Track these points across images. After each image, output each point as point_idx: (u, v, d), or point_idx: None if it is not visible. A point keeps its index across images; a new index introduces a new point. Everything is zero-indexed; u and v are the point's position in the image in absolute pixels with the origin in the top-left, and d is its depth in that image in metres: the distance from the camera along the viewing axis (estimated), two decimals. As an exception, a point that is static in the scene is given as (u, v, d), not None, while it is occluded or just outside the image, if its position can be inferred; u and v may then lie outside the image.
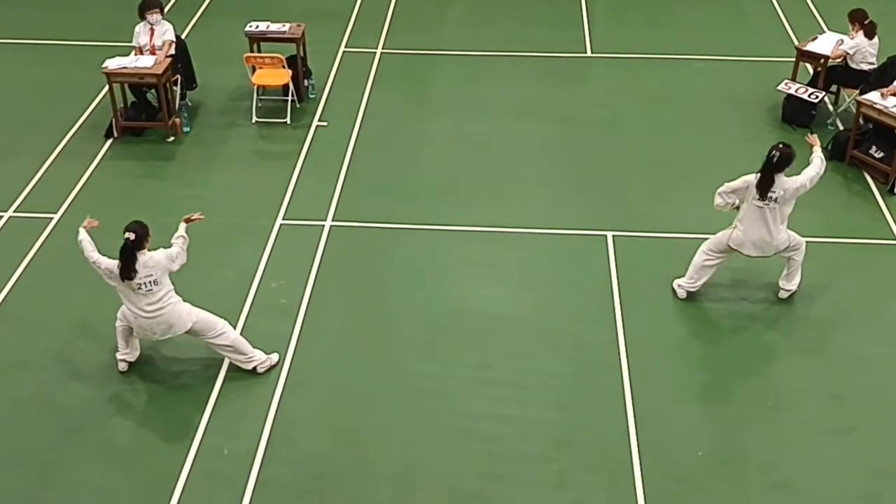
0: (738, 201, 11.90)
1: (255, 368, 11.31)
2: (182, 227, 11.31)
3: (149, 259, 10.63)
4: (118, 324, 11.21)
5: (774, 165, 11.57)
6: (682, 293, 12.42)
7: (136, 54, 15.86)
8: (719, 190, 11.96)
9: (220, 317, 11.23)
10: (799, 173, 11.78)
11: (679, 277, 12.49)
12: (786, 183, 11.65)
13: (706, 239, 12.32)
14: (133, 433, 10.71)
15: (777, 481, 10.13)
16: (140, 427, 10.79)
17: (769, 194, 11.60)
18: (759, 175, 11.64)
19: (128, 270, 10.54)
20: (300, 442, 10.61)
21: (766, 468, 10.26)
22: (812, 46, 16.58)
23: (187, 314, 10.96)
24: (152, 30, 15.82)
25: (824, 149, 14.99)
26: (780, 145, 11.62)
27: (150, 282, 10.65)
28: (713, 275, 12.44)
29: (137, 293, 10.69)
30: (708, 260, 12.25)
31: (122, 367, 11.38)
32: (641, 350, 11.72)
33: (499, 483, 10.12)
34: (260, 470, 10.24)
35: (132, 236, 10.50)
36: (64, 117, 16.32)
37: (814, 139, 12.34)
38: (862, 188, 14.72)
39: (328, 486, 10.12)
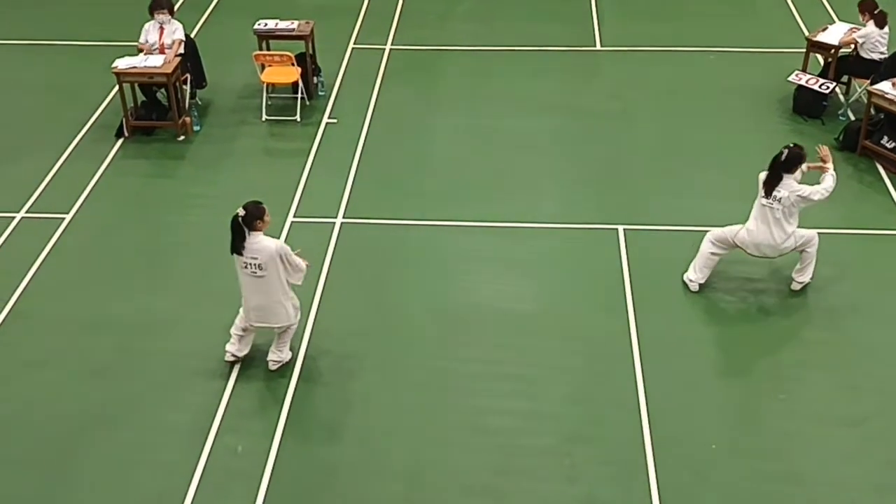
0: None
1: (268, 364, 11.35)
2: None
3: (257, 242, 10.72)
4: (236, 319, 11.40)
5: (782, 163, 11.57)
6: (693, 287, 12.40)
7: (141, 50, 15.84)
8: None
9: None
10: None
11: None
12: (793, 185, 11.64)
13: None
14: (147, 432, 10.72)
15: (791, 473, 10.11)
16: (154, 426, 10.80)
17: (774, 193, 11.60)
18: (766, 172, 11.65)
19: (234, 244, 10.73)
20: (313, 438, 10.62)
21: (780, 460, 10.24)
22: (822, 37, 16.53)
23: (278, 315, 11.08)
24: (162, 28, 15.85)
25: (836, 139, 15.08)
26: (792, 145, 11.63)
27: (255, 265, 10.74)
28: (725, 267, 12.44)
29: (244, 272, 10.83)
30: (714, 251, 12.26)
31: (227, 356, 11.46)
32: (653, 343, 11.71)
33: (511, 477, 10.12)
34: (273, 467, 10.26)
35: (242, 213, 10.64)
36: (75, 117, 16.36)
37: (825, 153, 12.21)
38: (874, 179, 14.67)
39: (341, 482, 10.13)
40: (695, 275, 12.39)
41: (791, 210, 11.72)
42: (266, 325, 11.19)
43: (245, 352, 11.44)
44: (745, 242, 12.01)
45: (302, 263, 11.05)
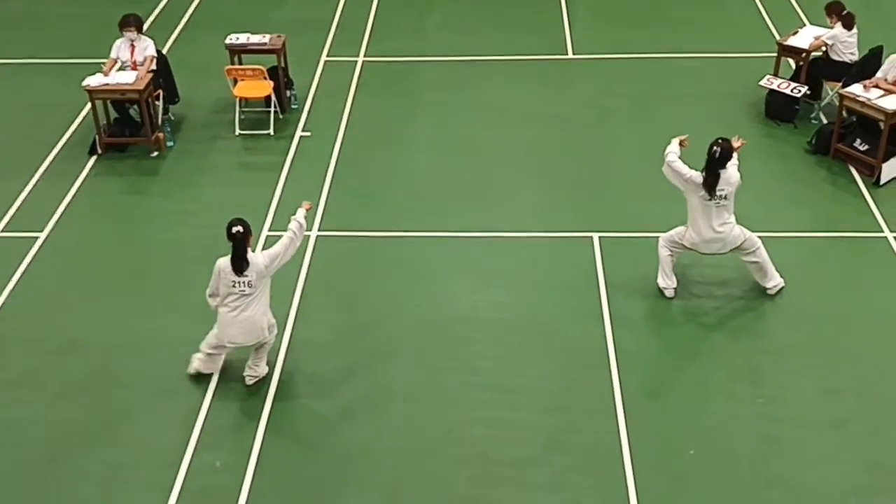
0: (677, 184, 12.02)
1: (244, 380, 11.31)
2: (300, 212, 11.29)
3: (249, 259, 10.67)
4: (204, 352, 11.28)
5: (718, 161, 11.63)
6: (669, 293, 12.43)
7: (108, 67, 15.74)
8: (673, 160, 12.01)
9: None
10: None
11: (679, 274, 12.55)
12: (731, 177, 11.78)
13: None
14: (125, 450, 10.66)
15: (771, 477, 10.13)
16: (132, 444, 10.75)
17: (717, 192, 11.66)
18: (704, 174, 11.69)
19: (239, 264, 10.61)
20: (292, 453, 10.59)
21: (760, 464, 10.26)
22: (793, 41, 16.62)
23: (265, 326, 11.01)
24: (133, 46, 15.79)
25: (808, 143, 15.17)
26: (720, 140, 11.71)
27: (245, 283, 10.66)
28: (700, 272, 12.59)
29: (232, 292, 10.72)
30: (669, 253, 12.38)
31: (191, 370, 11.44)
32: (630, 350, 11.73)
33: (491, 487, 10.12)
34: (252, 482, 10.22)
35: (241, 229, 10.56)
36: (47, 136, 16.26)
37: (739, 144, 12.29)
38: (847, 181, 14.73)
39: (321, 496, 10.10)
40: (665, 281, 12.43)
41: (731, 199, 11.84)
42: (241, 345, 11.15)
43: (213, 370, 11.42)
44: (695, 243, 12.08)
45: (293, 225, 11.05)
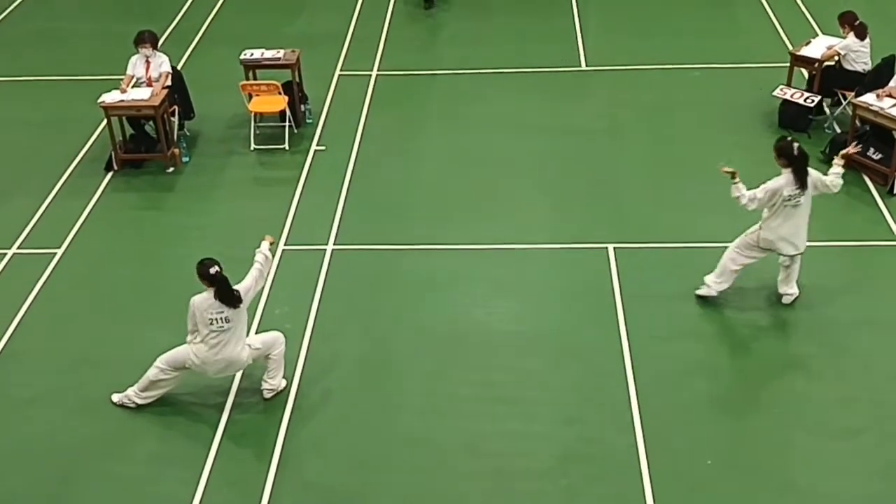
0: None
1: (262, 393, 11.36)
2: (264, 245, 11.38)
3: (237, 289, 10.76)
4: (157, 372, 11.16)
5: (804, 156, 11.65)
6: (705, 291, 12.38)
7: (126, 83, 15.84)
8: (753, 196, 11.80)
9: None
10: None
11: (694, 286, 12.54)
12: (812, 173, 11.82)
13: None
14: (143, 465, 10.72)
15: (786, 486, 10.13)
16: (150, 458, 10.80)
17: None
18: (793, 170, 11.62)
19: (231, 299, 10.62)
20: (309, 466, 10.63)
21: (775, 473, 10.26)
22: (806, 51, 16.62)
23: (245, 357, 10.99)
24: (148, 62, 15.89)
25: (822, 152, 15.14)
26: (790, 139, 11.76)
27: (221, 318, 10.67)
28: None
29: (211, 329, 10.69)
30: (737, 269, 12.24)
31: (133, 404, 11.40)
32: (646, 360, 11.73)
33: (508, 500, 10.13)
34: (270, 496, 10.25)
35: (219, 268, 10.60)
36: (63, 152, 16.37)
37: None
38: (861, 190, 14.72)
39: (338, 510, 10.17)
40: (714, 280, 12.35)
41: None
42: (226, 374, 11.27)
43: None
44: (771, 242, 11.92)
45: (260, 258, 11.18)
